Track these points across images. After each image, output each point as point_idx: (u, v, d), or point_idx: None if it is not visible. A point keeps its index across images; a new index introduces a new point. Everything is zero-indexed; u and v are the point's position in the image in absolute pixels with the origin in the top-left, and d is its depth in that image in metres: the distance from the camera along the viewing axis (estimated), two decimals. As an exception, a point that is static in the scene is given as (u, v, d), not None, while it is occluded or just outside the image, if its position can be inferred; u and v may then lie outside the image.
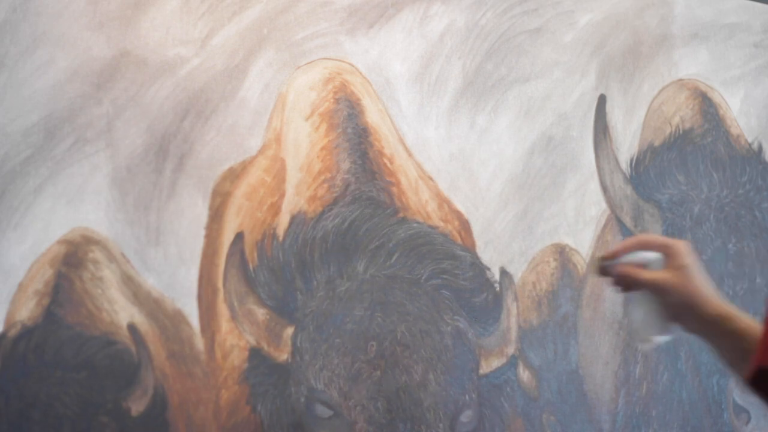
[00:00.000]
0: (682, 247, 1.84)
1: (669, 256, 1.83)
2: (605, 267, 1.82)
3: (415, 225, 2.15)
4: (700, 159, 2.63)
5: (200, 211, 1.87)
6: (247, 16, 1.94)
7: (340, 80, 2.07)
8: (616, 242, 2.51)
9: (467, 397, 2.18)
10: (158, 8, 1.83)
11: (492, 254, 2.27)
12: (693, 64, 2.63)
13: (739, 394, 2.59)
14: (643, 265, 1.81)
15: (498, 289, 2.27)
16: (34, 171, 1.68)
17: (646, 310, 1.83)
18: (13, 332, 1.65)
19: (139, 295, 1.78)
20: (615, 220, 2.50)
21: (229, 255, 1.89)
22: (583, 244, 2.45)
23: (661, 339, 1.85)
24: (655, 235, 1.85)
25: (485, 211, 2.27)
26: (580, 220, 2.45)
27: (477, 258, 2.25)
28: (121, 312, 1.76)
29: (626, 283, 1.81)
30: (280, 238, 1.97)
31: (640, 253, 1.82)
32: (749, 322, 1.82)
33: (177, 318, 1.82)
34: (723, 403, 2.59)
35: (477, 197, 2.26)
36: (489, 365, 2.22)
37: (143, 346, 1.77)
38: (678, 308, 1.82)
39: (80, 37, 1.74)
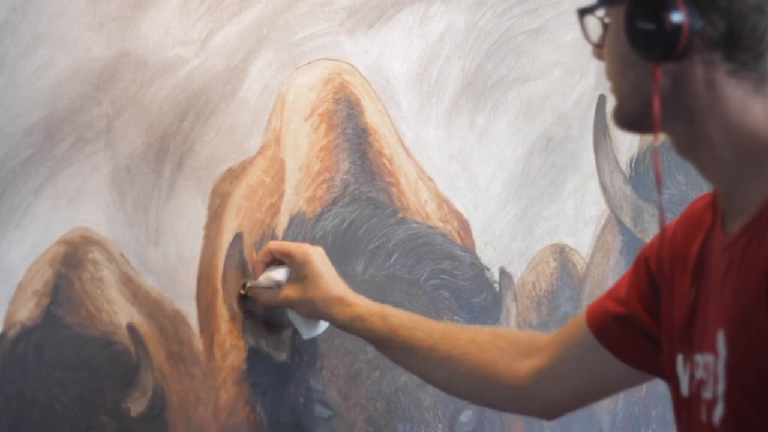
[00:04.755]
0: (302, 255, 1.87)
1: (292, 267, 1.87)
2: (247, 294, 1.88)
3: (414, 225, 2.15)
4: (700, 159, 2.62)
5: (199, 212, 1.87)
6: (246, 16, 1.95)
7: (340, 80, 2.07)
8: (615, 242, 2.51)
9: (467, 397, 2.18)
10: (158, 8, 1.83)
11: (491, 254, 2.27)
12: (693, 65, 2.63)
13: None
14: (276, 284, 1.86)
15: (497, 289, 2.27)
16: (34, 171, 1.69)
17: (295, 314, 1.89)
18: (12, 332, 1.65)
19: (139, 296, 1.78)
20: (615, 220, 2.51)
21: (228, 255, 1.90)
22: (583, 244, 2.45)
23: (319, 333, 1.93)
24: (281, 243, 1.90)
25: (485, 212, 2.27)
26: (580, 220, 2.45)
27: (476, 258, 2.25)
28: (121, 312, 1.76)
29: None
30: (279, 239, 1.97)
31: (270, 272, 1.87)
32: (404, 316, 1.85)
33: (176, 318, 1.82)
34: (722, 403, 2.59)
35: (476, 197, 2.26)
36: (488, 365, 2.22)
37: (142, 347, 1.77)
38: (314, 317, 1.87)
39: (80, 38, 1.74)
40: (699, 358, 1.42)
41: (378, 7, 2.13)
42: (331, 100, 2.05)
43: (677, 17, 1.34)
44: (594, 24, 1.48)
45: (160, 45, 1.83)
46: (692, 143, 1.44)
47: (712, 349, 1.39)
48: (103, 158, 1.76)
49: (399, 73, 2.16)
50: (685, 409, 1.47)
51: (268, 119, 1.97)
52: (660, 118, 1.39)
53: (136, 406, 1.76)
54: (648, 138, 2.55)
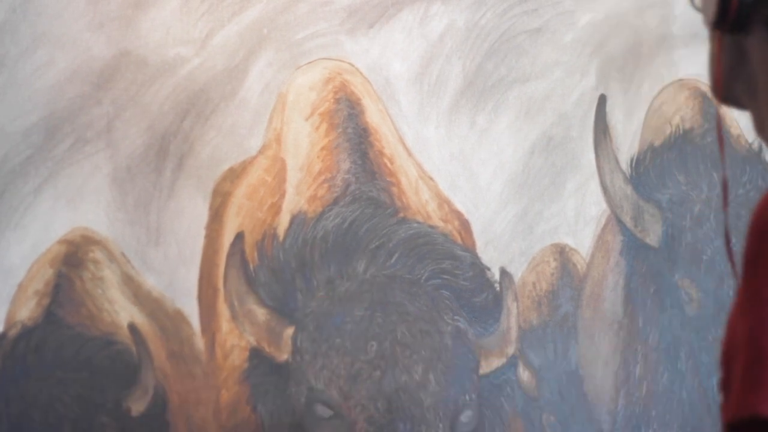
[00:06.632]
0: None
1: None
2: None
3: (415, 225, 2.15)
4: (700, 159, 2.62)
5: (200, 211, 1.87)
6: (247, 16, 1.94)
7: (340, 80, 2.07)
8: (616, 242, 2.51)
9: (467, 397, 2.17)
10: (158, 8, 1.83)
11: (492, 254, 2.27)
12: (693, 64, 2.63)
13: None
14: None
15: (498, 289, 2.27)
16: (34, 171, 1.69)
17: None
18: (13, 332, 1.65)
19: (140, 295, 1.78)
20: (615, 220, 2.50)
21: (230, 255, 1.89)
22: (584, 244, 2.45)
23: None
24: None
25: (485, 211, 2.27)
26: (580, 220, 2.44)
27: (477, 258, 2.24)
28: (122, 312, 1.76)
29: None
30: (281, 238, 1.97)
31: None
32: None
33: (177, 318, 1.82)
34: (723, 403, 2.58)
35: (477, 197, 2.26)
36: (489, 365, 2.22)
37: (143, 346, 1.77)
38: None
39: (80, 37, 1.74)
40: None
41: (378, 7, 2.13)
42: (331, 100, 2.05)
43: None
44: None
45: (161, 44, 1.83)
46: (760, 122, 1.43)
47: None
48: (104, 158, 1.76)
49: (399, 72, 2.16)
50: None
51: (268, 119, 1.97)
52: (729, 90, 1.38)
53: (137, 405, 1.76)
54: (648, 138, 2.55)
